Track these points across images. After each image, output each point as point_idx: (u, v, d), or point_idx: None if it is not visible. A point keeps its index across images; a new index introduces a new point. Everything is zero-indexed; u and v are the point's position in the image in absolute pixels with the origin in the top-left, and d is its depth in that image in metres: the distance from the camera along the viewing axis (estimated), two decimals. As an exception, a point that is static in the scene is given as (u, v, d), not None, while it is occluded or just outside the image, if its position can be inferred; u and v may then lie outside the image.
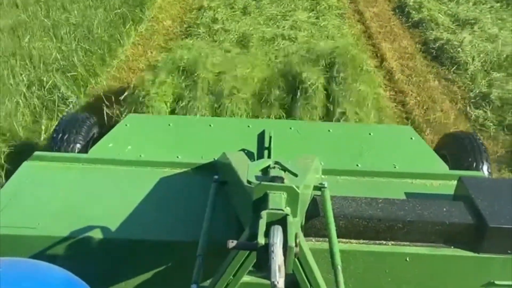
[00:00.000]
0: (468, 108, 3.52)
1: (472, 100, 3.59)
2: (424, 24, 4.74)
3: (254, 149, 1.89)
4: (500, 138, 3.20)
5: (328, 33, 4.39)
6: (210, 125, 2.08)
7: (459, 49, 4.16)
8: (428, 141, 2.95)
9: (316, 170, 1.49)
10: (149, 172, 1.63)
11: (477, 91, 3.66)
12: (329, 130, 2.05)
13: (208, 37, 4.30)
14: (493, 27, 4.54)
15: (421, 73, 4.01)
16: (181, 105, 2.86)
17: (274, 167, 1.25)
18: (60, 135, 2.31)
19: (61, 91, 3.53)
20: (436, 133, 3.20)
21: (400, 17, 5.04)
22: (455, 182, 1.50)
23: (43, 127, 3.17)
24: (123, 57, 4.25)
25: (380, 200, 1.38)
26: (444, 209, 1.35)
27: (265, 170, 1.26)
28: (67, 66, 3.82)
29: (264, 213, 1.03)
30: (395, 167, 1.80)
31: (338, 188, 1.52)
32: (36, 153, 1.73)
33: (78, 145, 2.30)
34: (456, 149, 2.26)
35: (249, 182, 1.19)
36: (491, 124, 3.32)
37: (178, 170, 1.65)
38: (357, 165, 1.80)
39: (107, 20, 4.56)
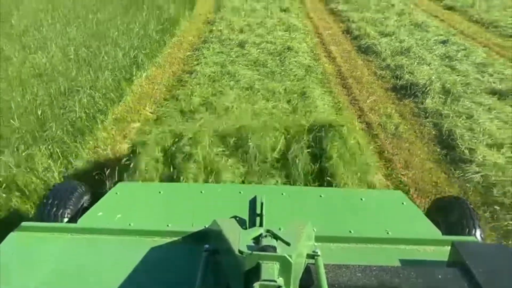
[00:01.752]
0: (376, 71, 5.84)
1: (381, 67, 5.92)
2: (360, 36, 7.18)
3: (246, 215, 1.87)
4: (391, 81, 5.47)
5: (298, 40, 6.75)
6: (201, 192, 2.08)
7: (378, 46, 6.57)
8: (350, 79, 5.25)
9: (308, 237, 1.48)
10: (138, 242, 1.61)
11: (384, 64, 5.99)
12: (320, 195, 2.05)
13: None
14: (404, 37, 6.98)
15: (353, 58, 6.36)
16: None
17: (266, 236, 1.28)
18: (50, 204, 2.29)
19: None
20: (354, 78, 5.49)
21: (346, 34, 7.51)
22: (448, 248, 1.48)
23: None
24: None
25: (374, 268, 1.35)
26: (439, 276, 1.33)
27: (257, 239, 1.27)
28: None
29: (256, 285, 1.03)
30: (388, 233, 1.78)
31: (331, 255, 1.52)
32: (24, 223, 1.70)
33: (67, 214, 2.27)
34: (448, 214, 2.29)
35: (240, 252, 1.18)
36: (388, 77, 5.61)
37: (167, 239, 1.62)
38: (350, 231, 1.77)
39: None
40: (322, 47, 6.85)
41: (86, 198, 2.48)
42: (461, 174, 3.58)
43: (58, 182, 3.16)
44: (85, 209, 2.21)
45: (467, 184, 3.47)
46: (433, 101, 4.75)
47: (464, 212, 2.24)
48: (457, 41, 6.64)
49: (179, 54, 6.55)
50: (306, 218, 1.61)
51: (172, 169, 2.81)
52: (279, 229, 1.38)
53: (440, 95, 4.83)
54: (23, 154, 3.67)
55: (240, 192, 2.03)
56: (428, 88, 4.93)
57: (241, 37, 6.75)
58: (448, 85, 4.97)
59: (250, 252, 1.14)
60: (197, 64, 5.77)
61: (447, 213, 2.30)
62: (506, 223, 3.07)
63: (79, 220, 1.87)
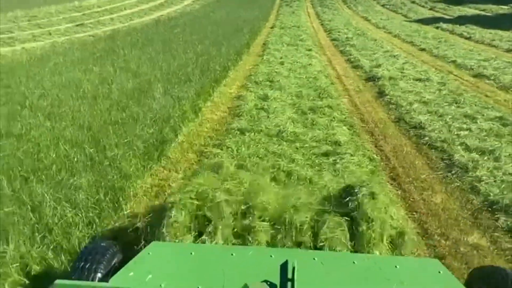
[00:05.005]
0: (358, 73, 10.21)
1: (366, 74, 10.28)
2: (354, 62, 11.63)
3: (276, 280, 1.83)
4: (364, 76, 9.80)
5: (312, 62, 11.24)
6: (232, 254, 2.08)
7: (363, 65, 10.97)
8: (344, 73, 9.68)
9: None
10: None
11: (368, 74, 10.34)
12: (354, 262, 1.99)
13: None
14: (380, 61, 11.34)
15: (345, 68, 10.79)
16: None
17: None
18: (82, 263, 2.31)
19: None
20: (346, 77, 9.87)
21: (347, 62, 11.97)
22: None
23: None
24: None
25: None
26: None
27: None
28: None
29: None
30: None
31: None
32: (57, 281, 1.72)
33: (99, 274, 2.27)
34: (488, 284, 2.21)
35: None
36: (364, 75, 9.96)
37: None
38: None
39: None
40: (331, 66, 11.33)
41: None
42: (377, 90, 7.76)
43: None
44: (117, 269, 2.15)
45: (381, 99, 7.64)
46: (380, 82, 9.01)
47: (504, 282, 2.16)
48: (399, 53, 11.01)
49: (247, 66, 11.18)
50: (339, 285, 1.70)
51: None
52: None
53: (386, 81, 9.10)
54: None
55: (271, 256, 2.02)
56: (381, 77, 9.26)
57: (280, 61, 11.35)
58: (391, 76, 9.27)
59: None
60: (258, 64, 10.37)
61: (486, 284, 2.22)
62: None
63: (111, 280, 1.88)
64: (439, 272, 1.96)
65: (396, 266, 1.98)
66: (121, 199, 4.00)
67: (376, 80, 9.31)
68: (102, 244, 2.53)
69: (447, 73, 10.06)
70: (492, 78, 9.34)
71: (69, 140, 5.10)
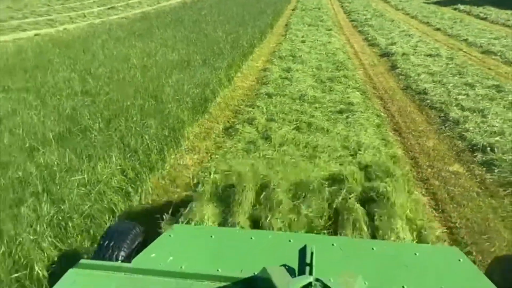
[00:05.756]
0: (375, 50, 11.12)
1: (381, 51, 11.18)
2: (372, 40, 12.50)
3: (295, 264, 1.85)
4: (379, 52, 10.72)
5: (335, 40, 12.17)
6: (251, 238, 2.12)
7: (379, 41, 11.84)
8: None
9: None
10: (188, 285, 1.64)
11: (383, 50, 11.24)
12: (372, 248, 2.00)
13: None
14: (395, 39, 12.18)
15: (362, 46, 11.70)
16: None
17: (315, 285, 1.32)
18: (106, 243, 2.42)
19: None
20: (363, 53, 10.81)
21: (364, 39, 12.84)
22: None
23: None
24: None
25: None
26: None
27: None
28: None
29: None
30: None
31: None
32: (82, 261, 1.80)
33: (122, 255, 2.37)
34: (509, 273, 2.18)
35: None
36: (379, 51, 10.87)
37: (217, 284, 1.63)
38: (403, 287, 1.72)
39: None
40: (349, 44, 12.25)
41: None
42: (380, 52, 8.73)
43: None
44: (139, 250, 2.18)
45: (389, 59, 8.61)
46: (394, 57, 9.93)
47: None
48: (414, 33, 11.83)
49: (271, 44, 12.21)
50: (357, 270, 1.65)
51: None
52: (329, 279, 1.42)
53: (399, 56, 10.01)
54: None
55: (290, 241, 2.04)
56: (394, 53, 10.17)
57: (302, 39, 12.32)
58: (404, 52, 10.17)
59: None
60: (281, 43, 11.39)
61: (507, 272, 2.20)
62: None
63: (133, 260, 1.92)
64: (459, 260, 1.94)
65: (415, 254, 1.97)
66: (180, 136, 5.21)
67: (390, 55, 10.23)
68: (126, 224, 2.69)
69: (457, 50, 10.88)
70: (498, 54, 10.14)
71: (133, 95, 6.34)
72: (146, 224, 2.80)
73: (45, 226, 3.38)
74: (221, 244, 2.10)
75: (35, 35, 14.28)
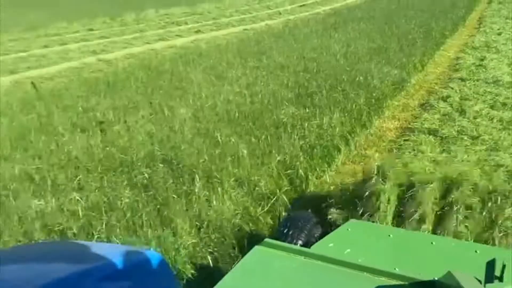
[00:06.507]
0: None
1: None
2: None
3: (480, 277, 1.71)
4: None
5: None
6: (431, 243, 2.04)
7: None
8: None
9: None
10: (365, 278, 1.63)
11: None
12: None
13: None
14: None
15: None
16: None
17: None
18: (286, 229, 2.59)
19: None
20: None
21: None
22: None
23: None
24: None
25: None
26: None
27: None
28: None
29: None
30: None
31: None
32: (267, 240, 1.88)
33: (300, 241, 2.53)
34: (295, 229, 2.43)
35: None
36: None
37: (395, 282, 1.60)
38: None
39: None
40: None
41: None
42: None
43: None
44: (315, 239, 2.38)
45: None
46: None
47: None
48: None
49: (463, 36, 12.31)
50: None
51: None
52: None
53: None
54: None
55: (476, 251, 1.91)
56: None
57: (498, 31, 12.00)
58: None
59: None
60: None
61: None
62: None
63: (313, 247, 1.98)
64: None
65: None
66: (383, 106, 6.55)
67: None
68: (305, 214, 2.87)
69: None
70: None
71: (342, 73, 7.89)
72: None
73: (298, 150, 5.06)
74: (399, 244, 2.09)
75: (244, 30, 17.27)
